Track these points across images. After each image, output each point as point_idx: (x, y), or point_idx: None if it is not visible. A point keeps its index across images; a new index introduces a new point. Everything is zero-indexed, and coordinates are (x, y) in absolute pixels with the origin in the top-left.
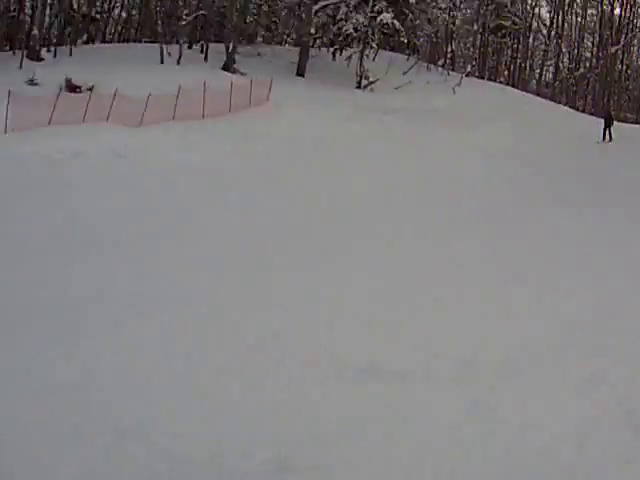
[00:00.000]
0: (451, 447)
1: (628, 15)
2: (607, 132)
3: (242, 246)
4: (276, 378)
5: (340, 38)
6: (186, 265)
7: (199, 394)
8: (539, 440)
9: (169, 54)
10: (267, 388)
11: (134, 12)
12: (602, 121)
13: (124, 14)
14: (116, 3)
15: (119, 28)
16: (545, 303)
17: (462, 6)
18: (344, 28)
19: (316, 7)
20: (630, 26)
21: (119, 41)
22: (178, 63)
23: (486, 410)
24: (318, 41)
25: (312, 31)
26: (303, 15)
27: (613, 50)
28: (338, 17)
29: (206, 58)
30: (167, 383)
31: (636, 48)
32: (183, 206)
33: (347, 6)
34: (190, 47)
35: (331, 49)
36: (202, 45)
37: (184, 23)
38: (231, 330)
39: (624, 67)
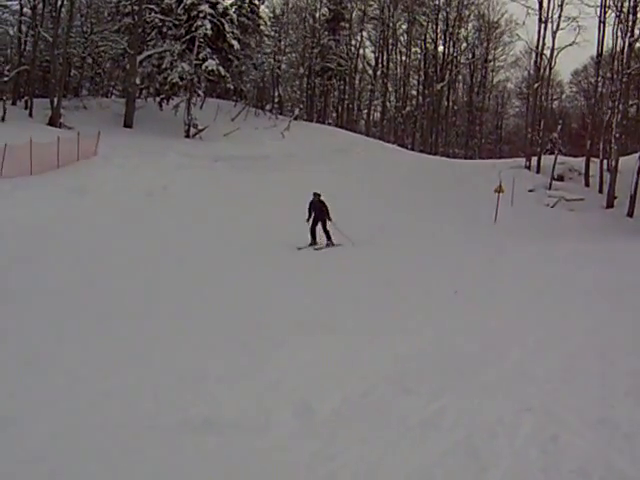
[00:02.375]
0: None
1: (451, 52)
2: (318, 232)
3: (60, 310)
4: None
5: (166, 87)
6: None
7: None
8: None
9: None
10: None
11: None
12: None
13: None
14: None
15: None
16: (379, 343)
17: (287, 50)
18: (170, 77)
19: (141, 57)
20: (454, 63)
21: None
22: (2, 120)
23: (326, 458)
24: (144, 91)
25: (137, 81)
26: (128, 66)
27: (439, 87)
28: (163, 66)
29: (31, 114)
30: None
31: (461, 84)
32: (11, 267)
33: (172, 55)
34: (14, 103)
35: (158, 99)
36: (26, 101)
37: (6, 79)
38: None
39: (450, 103)
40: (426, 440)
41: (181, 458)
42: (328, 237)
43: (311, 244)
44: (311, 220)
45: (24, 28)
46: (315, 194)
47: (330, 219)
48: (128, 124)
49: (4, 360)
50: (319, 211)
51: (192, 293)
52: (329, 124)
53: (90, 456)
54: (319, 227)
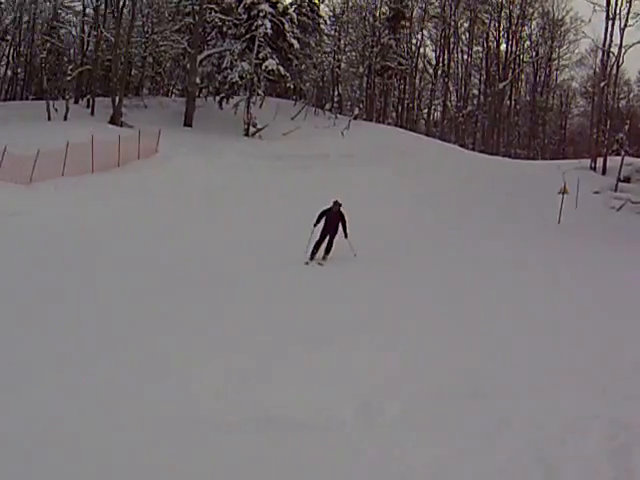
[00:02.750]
0: None
1: (514, 50)
2: (328, 244)
3: (131, 303)
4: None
5: (226, 86)
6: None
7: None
8: None
9: (56, 110)
10: (166, 439)
11: (19, 70)
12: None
13: (9, 72)
14: (0, 62)
15: (5, 86)
16: (444, 348)
17: (347, 49)
18: (229, 76)
19: (201, 56)
20: (517, 61)
21: (5, 99)
22: (65, 119)
23: (392, 459)
24: (204, 90)
25: (198, 81)
26: (188, 65)
27: (501, 86)
28: (223, 66)
29: (93, 112)
30: None
31: (524, 83)
32: (79, 263)
33: (232, 54)
34: (77, 102)
35: (217, 98)
36: (88, 99)
37: (69, 78)
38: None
39: (512, 103)
40: (493, 444)
41: (245, 455)
42: (328, 250)
43: (312, 258)
44: (319, 228)
45: (87, 28)
46: (336, 203)
47: (347, 235)
48: (188, 123)
49: (65, 360)
50: (333, 224)
51: (248, 294)
52: (389, 124)
53: (157, 452)
54: (327, 240)
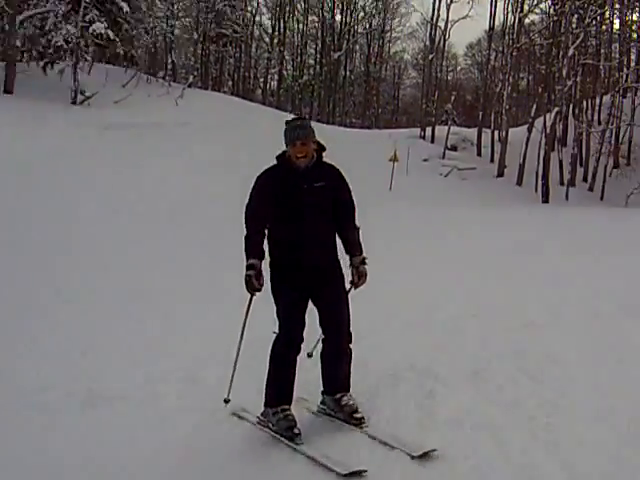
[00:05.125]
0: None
1: (349, 21)
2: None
3: None
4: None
5: (50, 50)
6: None
7: None
8: None
9: None
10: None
11: None
12: None
13: None
14: None
15: None
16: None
17: (180, 14)
18: (54, 40)
19: (21, 17)
20: (351, 32)
21: None
22: None
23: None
24: (26, 55)
25: (18, 44)
26: (6, 26)
27: (336, 56)
28: (47, 28)
29: None
30: None
31: (358, 54)
32: None
33: (56, 16)
34: None
35: (41, 63)
36: None
37: None
38: None
39: (347, 73)
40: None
41: (67, 431)
42: (343, 360)
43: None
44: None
45: None
46: (305, 128)
47: (358, 243)
48: (8, 90)
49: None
50: (326, 219)
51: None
52: (225, 92)
53: None
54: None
